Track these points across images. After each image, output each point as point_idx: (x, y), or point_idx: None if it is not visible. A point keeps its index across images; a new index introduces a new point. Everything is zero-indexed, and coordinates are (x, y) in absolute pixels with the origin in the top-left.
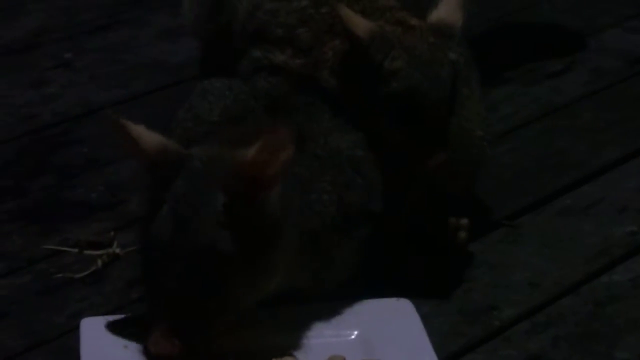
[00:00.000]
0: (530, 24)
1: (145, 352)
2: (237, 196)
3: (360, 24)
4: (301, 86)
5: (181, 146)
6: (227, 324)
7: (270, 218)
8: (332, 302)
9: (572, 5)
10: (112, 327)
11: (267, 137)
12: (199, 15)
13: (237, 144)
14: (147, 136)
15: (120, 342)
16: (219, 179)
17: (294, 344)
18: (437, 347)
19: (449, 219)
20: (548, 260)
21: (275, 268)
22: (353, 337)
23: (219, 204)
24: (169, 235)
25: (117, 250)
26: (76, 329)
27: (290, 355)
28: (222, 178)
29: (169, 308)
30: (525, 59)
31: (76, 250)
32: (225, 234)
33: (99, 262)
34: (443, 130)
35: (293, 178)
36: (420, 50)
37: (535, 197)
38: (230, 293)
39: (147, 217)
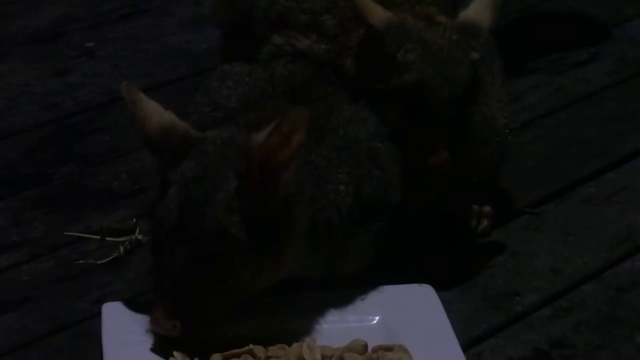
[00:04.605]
0: (555, 14)
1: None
2: (249, 180)
3: (377, 13)
4: (322, 74)
5: (196, 130)
6: (231, 308)
7: (280, 203)
8: (354, 288)
9: None
10: (134, 312)
11: (281, 120)
12: (219, 2)
13: (253, 129)
14: (156, 115)
15: (141, 327)
16: (231, 163)
17: (316, 329)
18: (459, 332)
19: (472, 206)
20: (571, 247)
21: (283, 255)
22: (375, 322)
23: (231, 187)
24: (177, 217)
25: (139, 237)
26: (98, 314)
27: (312, 339)
28: (235, 162)
29: (173, 288)
30: (550, 48)
31: (98, 237)
32: (236, 219)
33: (121, 249)
34: (451, 129)
35: (309, 167)
36: (438, 47)
37: (559, 185)
38: (236, 278)
39: (155, 198)
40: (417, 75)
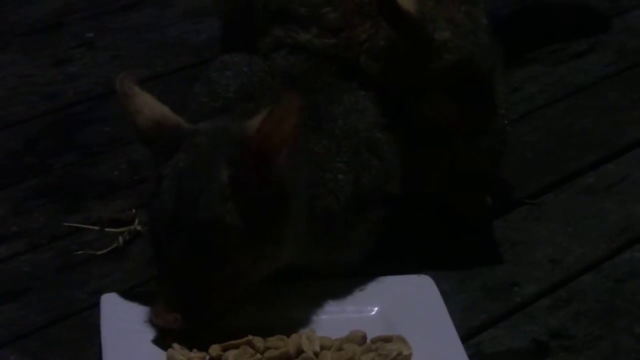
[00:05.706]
0: (555, 4)
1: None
2: (243, 168)
3: (404, 1)
4: (322, 65)
5: (189, 121)
6: (232, 298)
7: (276, 189)
8: (352, 278)
9: None
10: (133, 303)
11: (273, 106)
12: None
13: (248, 119)
14: (147, 109)
15: (140, 317)
16: (224, 152)
17: (315, 320)
18: (458, 322)
19: (471, 197)
20: (570, 237)
21: (282, 242)
22: (374, 312)
23: (224, 177)
24: (172, 210)
25: (139, 228)
26: (97, 305)
27: (311, 330)
28: (228, 151)
29: (172, 280)
30: (550, 39)
31: (98, 227)
32: (231, 208)
33: (121, 239)
34: (494, 95)
35: (307, 155)
36: (459, 19)
37: (558, 175)
38: (235, 267)
39: (152, 192)
40: (456, 53)
